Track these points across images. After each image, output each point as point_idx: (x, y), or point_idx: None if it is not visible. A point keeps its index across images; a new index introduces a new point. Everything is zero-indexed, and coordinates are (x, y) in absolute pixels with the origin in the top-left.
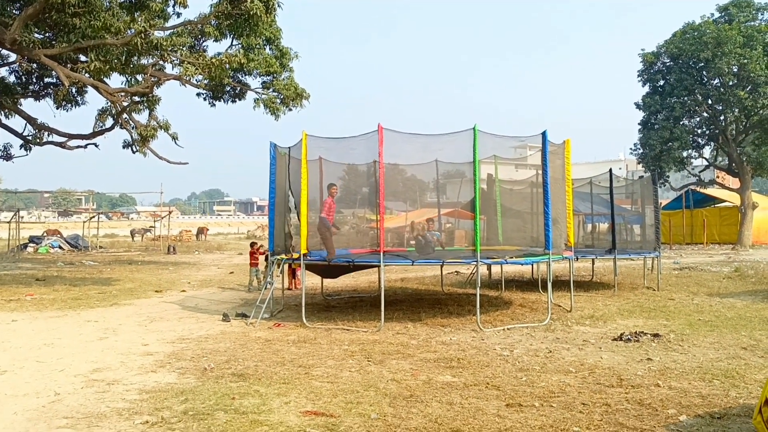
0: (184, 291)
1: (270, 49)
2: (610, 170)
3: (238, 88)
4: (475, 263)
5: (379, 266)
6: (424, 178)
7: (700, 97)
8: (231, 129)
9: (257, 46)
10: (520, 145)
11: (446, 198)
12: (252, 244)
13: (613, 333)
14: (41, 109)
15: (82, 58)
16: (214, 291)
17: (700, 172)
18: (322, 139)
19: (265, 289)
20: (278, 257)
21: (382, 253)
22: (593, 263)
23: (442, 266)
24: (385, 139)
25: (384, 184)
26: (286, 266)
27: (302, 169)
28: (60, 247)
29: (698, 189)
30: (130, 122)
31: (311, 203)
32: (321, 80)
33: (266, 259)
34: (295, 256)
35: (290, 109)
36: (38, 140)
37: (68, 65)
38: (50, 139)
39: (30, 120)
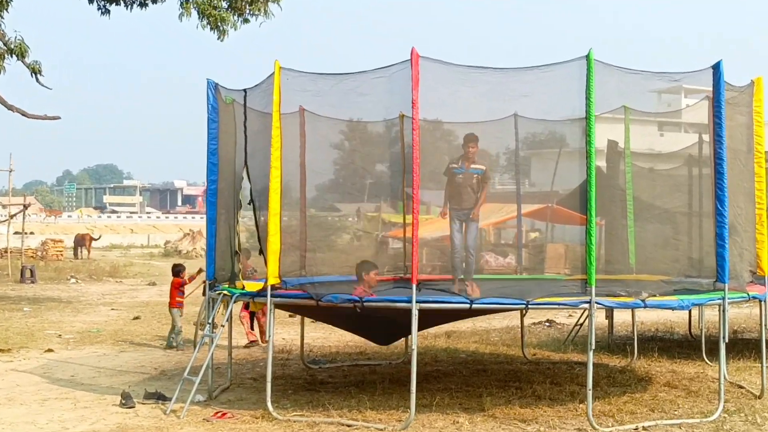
0: (50, 351)
1: None
2: None
3: None
4: (585, 306)
5: (408, 309)
6: (491, 147)
7: None
8: (138, 61)
9: None
10: (671, 88)
11: (530, 184)
12: (176, 270)
13: None
14: None
15: None
16: (106, 352)
17: None
18: (307, 75)
19: (199, 346)
20: (223, 289)
21: (414, 286)
22: None
23: (524, 311)
24: (424, 77)
25: (419, 158)
26: (237, 306)
27: (273, 129)
28: None
29: None
30: None
31: (286, 191)
32: None
33: (204, 292)
34: (256, 287)
35: (246, 21)
36: None
37: None
38: None
39: None
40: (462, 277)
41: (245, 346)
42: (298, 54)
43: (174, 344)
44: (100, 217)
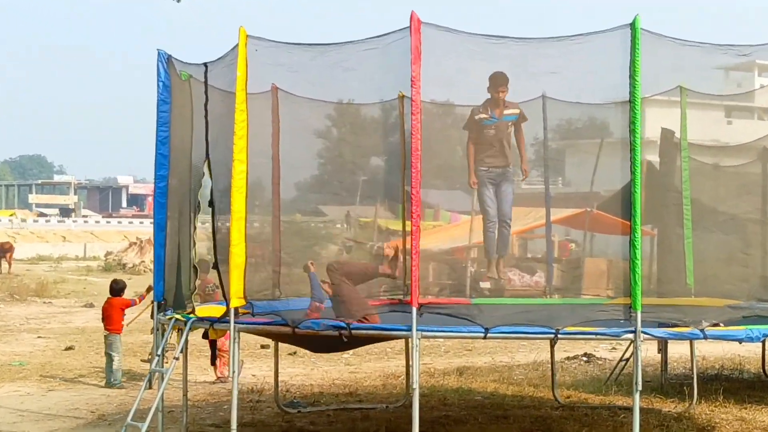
0: None
1: None
2: None
3: None
4: (629, 336)
5: (408, 339)
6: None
7: None
8: (73, 33)
9: None
10: (741, 64)
11: (564, 183)
12: (118, 288)
13: None
14: None
15: None
16: (31, 390)
17: None
18: (281, 46)
19: (148, 383)
20: (175, 314)
21: (415, 309)
22: None
23: (553, 341)
24: (428, 48)
25: (420, 150)
26: (189, 333)
27: (238, 111)
28: None
29: None
30: None
31: (253, 189)
32: None
33: (152, 314)
34: (214, 311)
35: None
36: None
37: None
38: None
39: None
40: (498, 255)
41: (218, 380)
42: (282, 32)
43: (115, 381)
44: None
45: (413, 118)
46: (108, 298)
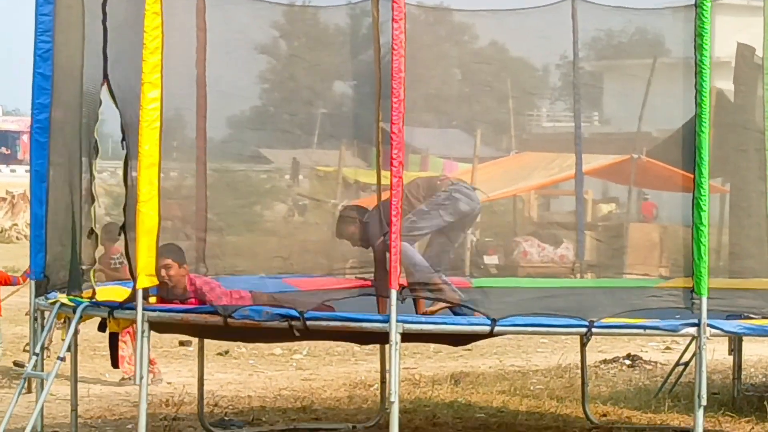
0: None
1: None
2: None
3: None
4: (691, 332)
5: (384, 336)
6: (533, 55)
7: None
8: None
9: None
10: None
11: (601, 121)
12: None
13: None
14: None
15: None
16: None
17: None
18: None
19: (20, 391)
20: (60, 298)
21: (395, 293)
22: None
23: (586, 338)
24: None
25: (404, 71)
26: (77, 323)
27: (148, 15)
28: None
29: None
30: None
31: (170, 125)
32: None
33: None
34: (116, 293)
35: None
36: None
37: None
38: None
39: None
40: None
41: (123, 378)
42: None
43: None
44: None
45: (395, 27)
46: None
